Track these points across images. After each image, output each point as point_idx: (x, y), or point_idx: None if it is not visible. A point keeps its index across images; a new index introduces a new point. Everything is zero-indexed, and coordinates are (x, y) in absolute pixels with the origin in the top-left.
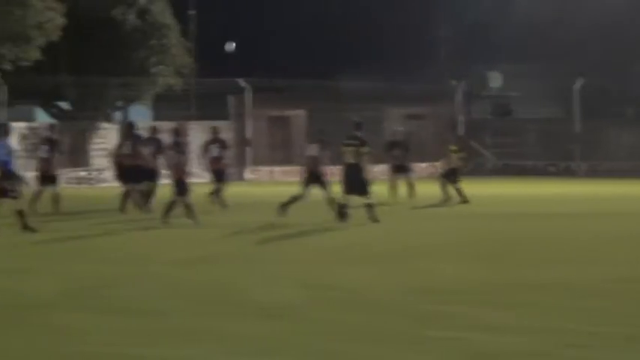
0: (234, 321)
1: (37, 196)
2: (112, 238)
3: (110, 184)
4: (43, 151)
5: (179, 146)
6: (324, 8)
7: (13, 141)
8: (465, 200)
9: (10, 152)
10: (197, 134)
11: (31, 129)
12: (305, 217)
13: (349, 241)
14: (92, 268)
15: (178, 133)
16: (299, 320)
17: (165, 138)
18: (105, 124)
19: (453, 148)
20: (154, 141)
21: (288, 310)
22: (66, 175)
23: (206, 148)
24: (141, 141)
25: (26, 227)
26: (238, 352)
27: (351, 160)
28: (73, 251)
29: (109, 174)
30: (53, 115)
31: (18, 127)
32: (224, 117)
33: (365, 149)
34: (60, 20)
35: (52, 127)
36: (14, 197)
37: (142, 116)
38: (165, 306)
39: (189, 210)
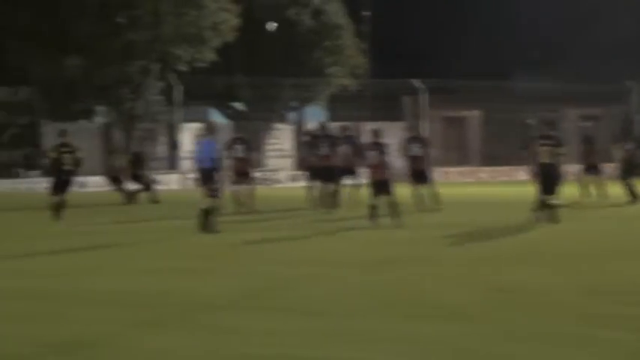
0: (412, 322)
1: (249, 196)
2: (291, 238)
3: (285, 185)
4: (239, 151)
5: (379, 147)
6: (499, 8)
7: (188, 141)
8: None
9: (216, 151)
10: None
11: None
12: (490, 217)
13: (531, 242)
14: (270, 269)
15: (377, 134)
16: (477, 322)
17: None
18: (279, 125)
19: (615, 146)
20: (349, 140)
21: (467, 311)
22: None
23: (405, 146)
24: (335, 141)
25: (205, 227)
26: (414, 353)
27: (546, 159)
28: (251, 252)
29: (284, 174)
30: (227, 116)
31: (192, 127)
32: (398, 118)
33: (561, 149)
34: (234, 21)
35: (239, 127)
36: (214, 196)
37: (316, 117)
38: (342, 307)
39: (394, 210)
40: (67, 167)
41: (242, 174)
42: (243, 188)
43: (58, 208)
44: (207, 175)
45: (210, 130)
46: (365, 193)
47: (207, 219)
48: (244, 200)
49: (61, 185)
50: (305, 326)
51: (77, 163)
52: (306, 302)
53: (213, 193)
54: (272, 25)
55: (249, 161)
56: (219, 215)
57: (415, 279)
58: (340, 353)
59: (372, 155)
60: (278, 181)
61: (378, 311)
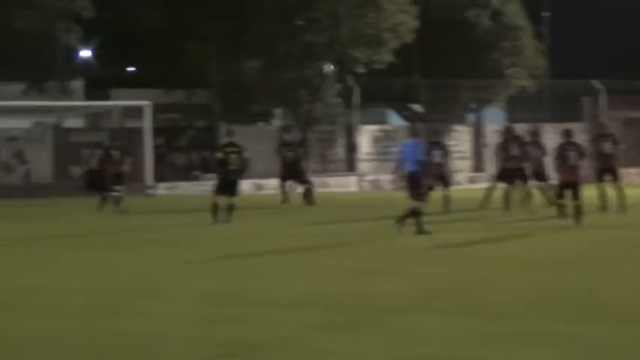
0: (585, 324)
1: (446, 199)
2: (475, 240)
3: (463, 187)
4: (436, 156)
5: (575, 147)
6: None
7: (365, 142)
8: None
9: (421, 154)
10: (551, 136)
11: (384, 131)
12: None
13: None
14: (446, 271)
15: (569, 134)
16: None
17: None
18: (457, 127)
19: None
20: (537, 144)
21: None
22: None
23: (596, 144)
24: (525, 143)
25: (399, 225)
26: (583, 356)
27: None
28: (435, 253)
29: (463, 176)
30: (406, 118)
31: (370, 129)
32: (577, 119)
33: None
34: (413, 23)
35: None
36: (421, 199)
37: (494, 118)
38: (516, 309)
39: (578, 211)
40: (232, 167)
41: (439, 178)
42: (440, 191)
43: (218, 209)
44: (413, 178)
45: (415, 132)
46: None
47: (405, 221)
48: (444, 203)
49: (225, 186)
50: (479, 328)
51: (244, 163)
52: (483, 304)
53: (418, 195)
54: (329, 68)
55: (445, 166)
56: (422, 217)
57: (593, 280)
58: (511, 355)
59: (571, 156)
60: (457, 183)
61: (552, 313)
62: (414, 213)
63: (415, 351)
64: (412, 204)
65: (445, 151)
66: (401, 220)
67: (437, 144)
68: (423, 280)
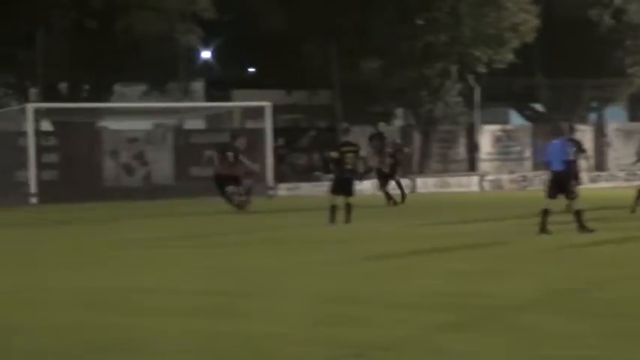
0: None
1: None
2: (591, 240)
3: (586, 186)
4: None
5: None
6: None
7: (487, 142)
8: None
9: (567, 153)
10: None
11: (505, 131)
12: None
13: None
14: (568, 271)
15: None
16: None
17: None
18: (580, 126)
19: None
20: None
21: None
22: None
23: None
24: None
25: (583, 228)
26: None
27: None
28: (550, 253)
29: (585, 176)
30: (527, 118)
31: (491, 129)
32: None
33: None
34: (534, 22)
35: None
36: (572, 198)
37: (616, 117)
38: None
39: None
40: (348, 167)
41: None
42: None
43: (336, 210)
44: (559, 178)
45: (560, 131)
46: None
47: (583, 222)
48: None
49: (341, 185)
50: (601, 328)
51: (360, 162)
52: (605, 304)
53: (570, 194)
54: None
55: (577, 164)
56: (548, 217)
57: None
58: (635, 355)
59: None
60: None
61: None
62: (579, 212)
63: (538, 351)
64: (572, 205)
65: (579, 148)
66: (580, 223)
67: (571, 141)
68: (544, 280)
